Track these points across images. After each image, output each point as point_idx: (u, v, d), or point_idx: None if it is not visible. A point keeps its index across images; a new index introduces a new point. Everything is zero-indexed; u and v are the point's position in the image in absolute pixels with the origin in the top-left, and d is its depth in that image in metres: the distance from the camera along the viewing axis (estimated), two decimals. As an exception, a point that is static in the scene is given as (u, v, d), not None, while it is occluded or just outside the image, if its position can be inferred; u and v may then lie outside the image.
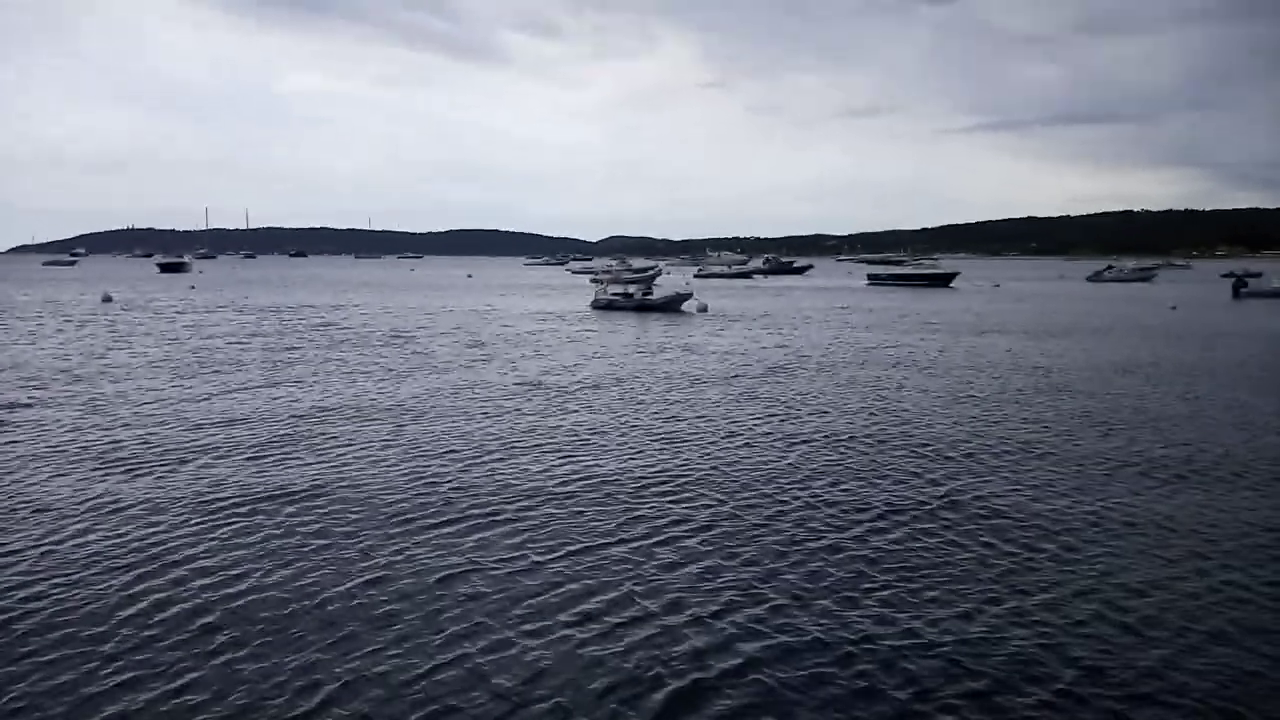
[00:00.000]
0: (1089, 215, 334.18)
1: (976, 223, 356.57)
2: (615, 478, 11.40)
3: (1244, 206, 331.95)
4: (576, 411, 16.12)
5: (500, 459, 12.38)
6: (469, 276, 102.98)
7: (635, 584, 7.84)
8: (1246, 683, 6.20)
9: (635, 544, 8.86)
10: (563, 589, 7.74)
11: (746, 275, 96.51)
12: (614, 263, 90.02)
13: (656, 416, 15.67)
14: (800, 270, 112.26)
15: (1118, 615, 7.23)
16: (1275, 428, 14.76)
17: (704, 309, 42.01)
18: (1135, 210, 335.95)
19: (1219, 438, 13.93)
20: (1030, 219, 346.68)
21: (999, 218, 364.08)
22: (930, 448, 13.15)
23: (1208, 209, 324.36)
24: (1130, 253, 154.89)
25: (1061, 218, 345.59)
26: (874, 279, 79.52)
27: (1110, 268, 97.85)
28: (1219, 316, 42.06)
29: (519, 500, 10.34)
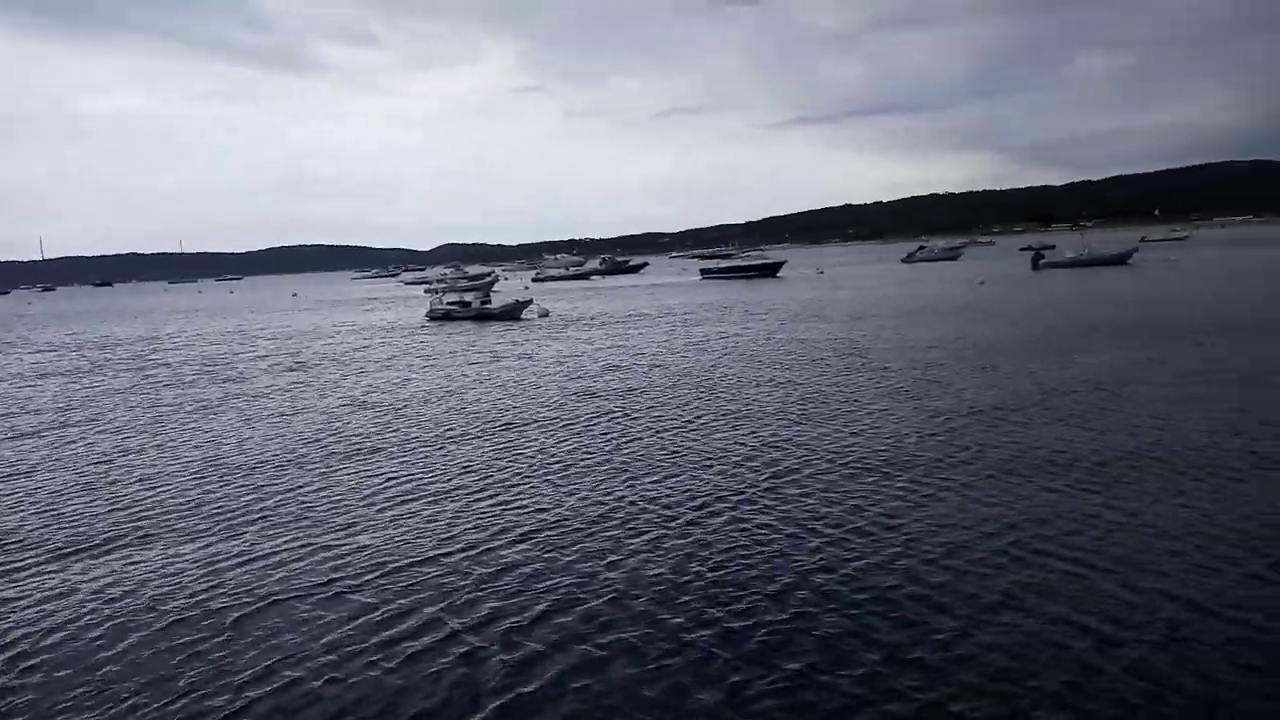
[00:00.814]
0: (900, 200, 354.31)
1: (798, 213, 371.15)
2: (444, 494, 11.03)
3: (1035, 185, 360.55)
4: (401, 429, 15.53)
5: (318, 486, 11.76)
6: (294, 295, 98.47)
7: (451, 602, 7.56)
8: (1035, 640, 6.55)
9: (454, 559, 8.56)
10: (375, 613, 7.38)
11: (584, 276, 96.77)
12: (449, 271, 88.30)
13: (490, 426, 15.30)
14: (636, 269, 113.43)
15: (919, 588, 7.51)
16: (1059, 386, 15.87)
17: (546, 314, 41.46)
18: (941, 193, 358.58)
19: (1018, 401, 14.86)
20: (847, 206, 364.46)
21: (819, 207, 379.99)
22: (756, 434, 13.40)
23: (1004, 189, 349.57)
24: (939, 233, 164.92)
25: (875, 204, 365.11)
26: (706, 273, 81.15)
27: (922, 249, 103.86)
28: (1021, 287, 45.19)
29: (332, 528, 9.83)
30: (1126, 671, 5.97)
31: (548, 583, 7.91)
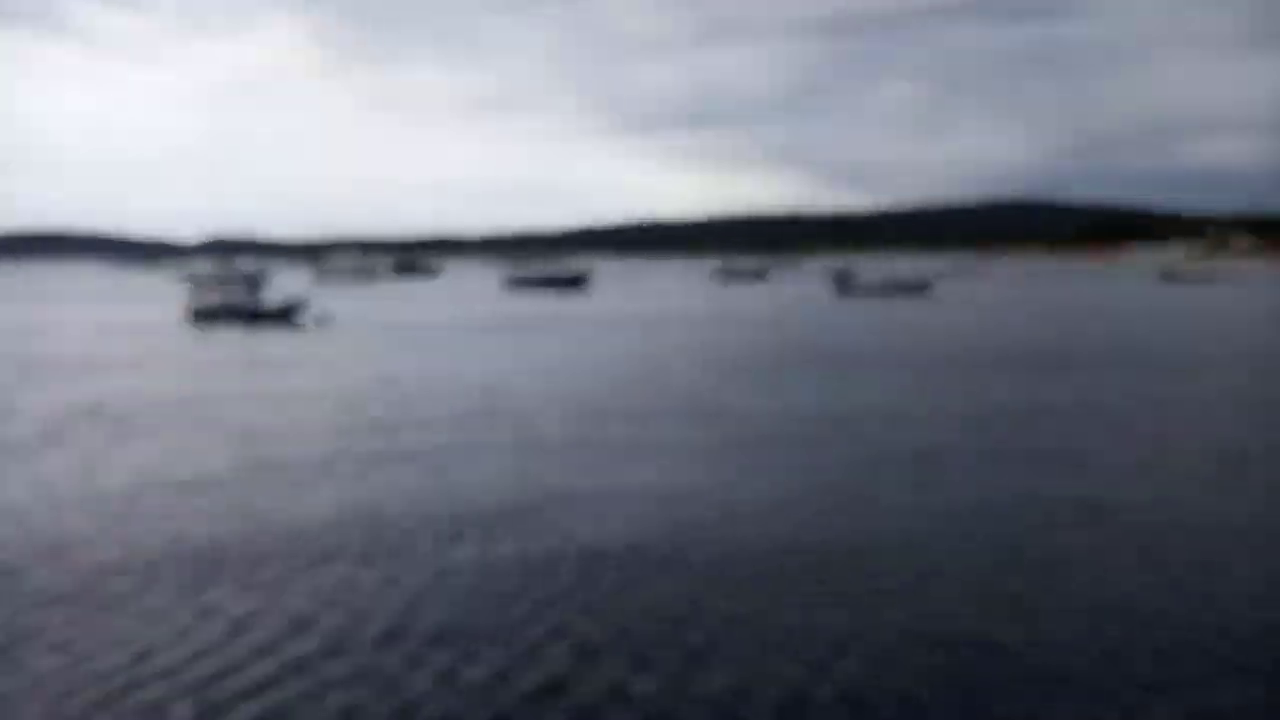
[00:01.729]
0: (712, 216, 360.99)
1: (610, 225, 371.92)
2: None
3: (842, 207, 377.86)
4: (131, 445, 12.50)
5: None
6: (26, 286, 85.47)
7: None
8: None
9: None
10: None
11: (372, 278, 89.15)
12: (215, 266, 79.24)
13: (232, 443, 12.61)
14: (431, 272, 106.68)
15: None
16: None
17: (326, 318, 37.37)
18: (750, 212, 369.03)
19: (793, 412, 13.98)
20: (657, 220, 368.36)
21: (630, 219, 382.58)
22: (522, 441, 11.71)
23: (812, 210, 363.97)
24: (749, 251, 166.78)
25: (685, 219, 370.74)
26: (508, 281, 76.44)
27: (730, 267, 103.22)
28: (826, 311, 43.19)
29: None
30: None
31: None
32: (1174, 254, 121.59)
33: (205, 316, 37.53)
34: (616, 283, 79.70)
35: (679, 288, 75.65)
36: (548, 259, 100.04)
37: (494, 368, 21.48)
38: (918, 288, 61.94)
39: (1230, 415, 14.61)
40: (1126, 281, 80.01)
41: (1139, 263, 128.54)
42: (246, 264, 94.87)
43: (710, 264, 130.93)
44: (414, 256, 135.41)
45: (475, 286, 78.56)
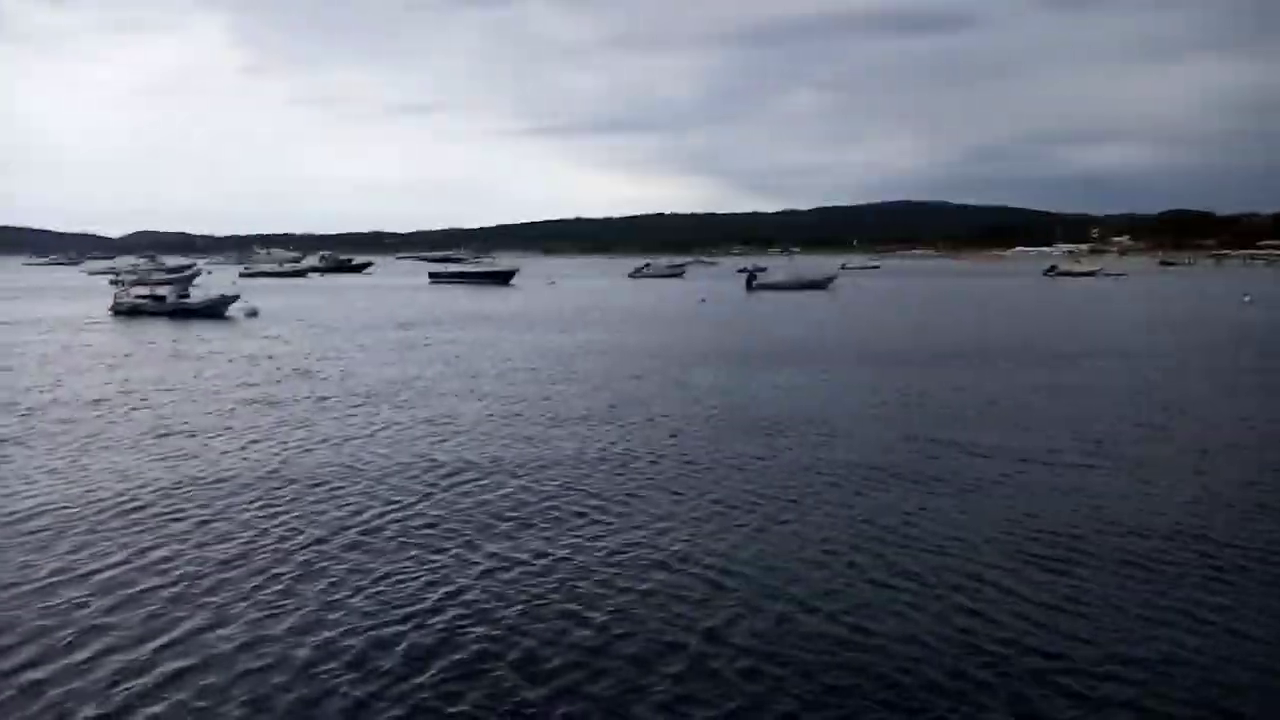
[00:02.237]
0: (630, 217, 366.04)
1: (531, 222, 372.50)
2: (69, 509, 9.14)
3: (752, 210, 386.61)
4: (47, 432, 13.21)
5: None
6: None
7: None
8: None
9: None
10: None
11: (301, 274, 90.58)
12: (141, 261, 79.67)
13: (147, 435, 13.50)
14: (359, 268, 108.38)
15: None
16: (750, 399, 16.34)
17: (254, 313, 37.57)
18: (667, 213, 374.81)
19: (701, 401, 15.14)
20: (580, 219, 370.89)
21: (552, 218, 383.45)
22: (445, 445, 12.51)
23: (725, 212, 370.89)
24: (665, 251, 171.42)
25: (606, 219, 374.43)
26: (435, 277, 78.75)
27: (648, 265, 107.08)
28: (737, 305, 47.58)
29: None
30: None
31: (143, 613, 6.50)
32: (1059, 253, 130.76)
33: (131, 311, 37.90)
34: (540, 279, 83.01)
35: (600, 284, 79.09)
36: (474, 256, 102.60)
37: (413, 358, 22.89)
38: (820, 283, 67.45)
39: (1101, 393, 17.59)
40: (1015, 278, 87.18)
41: (1028, 260, 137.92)
42: (175, 260, 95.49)
43: (629, 262, 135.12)
44: (343, 252, 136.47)
45: (403, 281, 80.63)
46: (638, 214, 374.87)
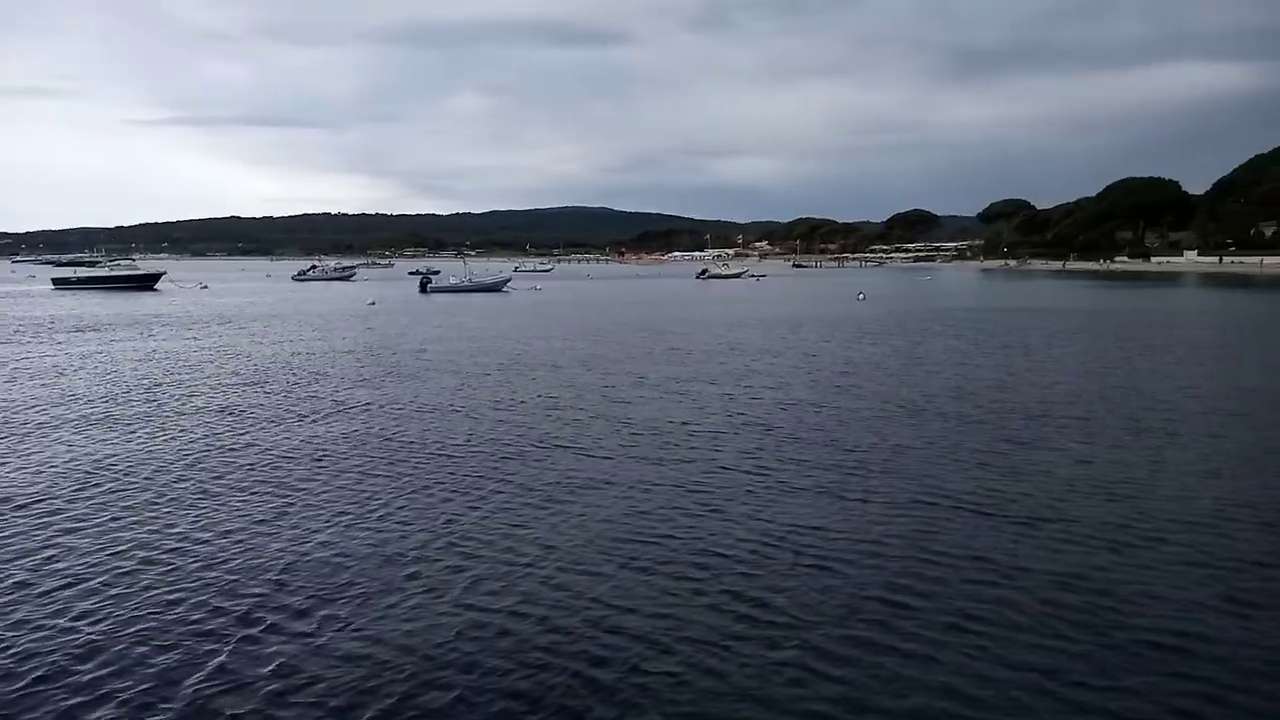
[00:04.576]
0: (293, 217, 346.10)
1: (178, 221, 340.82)
2: None
3: (424, 211, 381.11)
4: None
5: None
6: None
7: None
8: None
9: None
10: None
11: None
12: None
13: None
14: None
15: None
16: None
17: None
18: (334, 213, 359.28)
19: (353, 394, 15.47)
20: (234, 219, 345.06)
21: (201, 216, 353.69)
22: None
23: (396, 213, 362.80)
24: (333, 253, 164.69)
25: (265, 218, 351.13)
26: (61, 283, 70.06)
27: (314, 267, 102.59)
28: (412, 307, 47.40)
29: None
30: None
31: None
32: (709, 257, 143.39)
33: None
34: (193, 284, 76.56)
35: (261, 288, 74.69)
36: (110, 259, 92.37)
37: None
38: (495, 287, 68.58)
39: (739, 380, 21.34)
40: (675, 280, 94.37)
41: (688, 264, 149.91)
42: None
43: (293, 265, 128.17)
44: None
45: (16, 287, 71.10)
46: (302, 214, 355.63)
